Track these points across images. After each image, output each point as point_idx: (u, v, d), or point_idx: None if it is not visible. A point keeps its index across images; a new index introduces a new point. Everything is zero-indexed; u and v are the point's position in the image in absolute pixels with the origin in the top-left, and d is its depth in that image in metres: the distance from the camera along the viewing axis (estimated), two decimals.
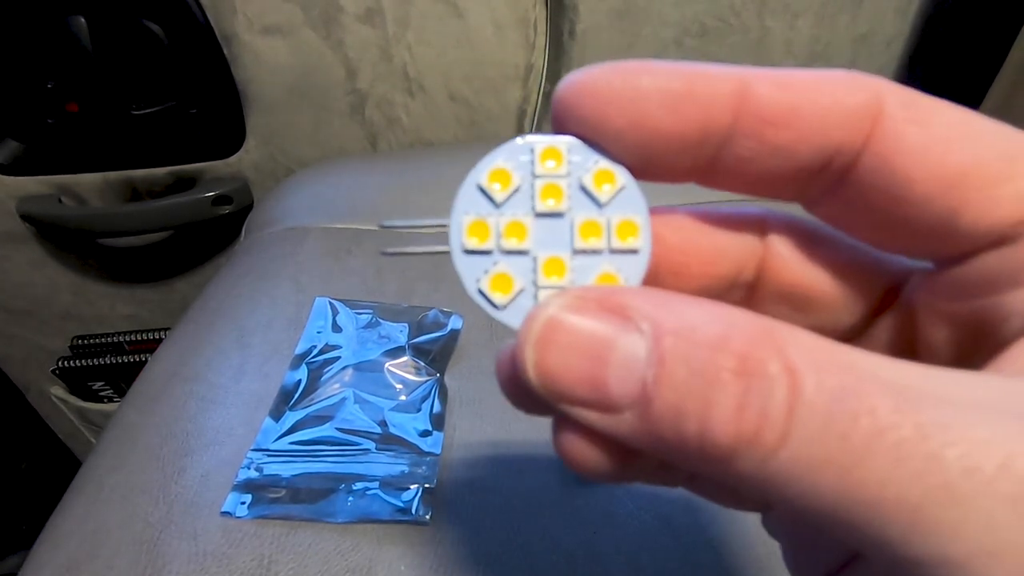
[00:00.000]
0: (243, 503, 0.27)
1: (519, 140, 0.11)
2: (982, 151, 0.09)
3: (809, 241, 0.12)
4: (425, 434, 0.30)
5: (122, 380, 0.75)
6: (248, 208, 0.64)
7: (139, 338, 0.74)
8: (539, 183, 0.11)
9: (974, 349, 0.10)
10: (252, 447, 0.30)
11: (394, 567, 0.25)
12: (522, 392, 0.11)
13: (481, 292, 0.11)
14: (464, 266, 0.11)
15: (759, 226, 0.13)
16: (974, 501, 0.07)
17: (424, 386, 0.32)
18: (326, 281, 0.40)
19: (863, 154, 0.10)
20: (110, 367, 0.73)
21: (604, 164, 0.11)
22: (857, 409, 0.08)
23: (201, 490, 0.28)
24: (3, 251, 0.66)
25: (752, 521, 0.26)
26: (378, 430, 0.30)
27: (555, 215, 0.11)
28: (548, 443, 0.31)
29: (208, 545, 0.26)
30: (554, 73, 0.60)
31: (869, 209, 0.10)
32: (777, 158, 0.10)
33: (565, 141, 0.11)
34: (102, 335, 0.74)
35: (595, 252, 0.11)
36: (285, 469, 0.29)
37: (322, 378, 0.33)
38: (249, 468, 0.29)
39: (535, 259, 0.11)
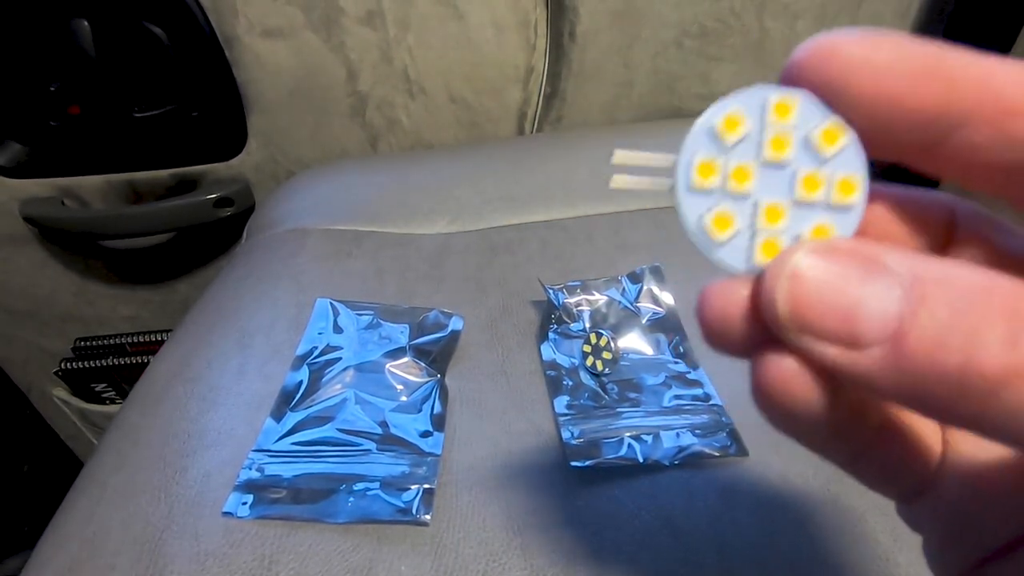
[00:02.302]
0: (244, 503, 0.28)
1: (755, 89, 0.12)
2: None
3: (994, 229, 0.13)
4: (426, 435, 0.30)
5: (124, 381, 0.75)
6: (249, 210, 0.64)
7: (141, 339, 0.74)
8: (768, 132, 0.12)
9: None
10: (253, 448, 0.30)
11: (394, 567, 0.25)
12: (744, 325, 0.11)
13: (703, 229, 0.12)
14: (687, 203, 0.12)
15: (949, 210, 0.13)
16: None
17: (425, 387, 0.32)
18: (327, 282, 0.40)
19: None
20: (112, 368, 0.73)
21: (833, 122, 0.11)
22: None
23: (202, 490, 0.28)
24: (5, 253, 0.66)
25: (751, 521, 0.27)
26: (379, 431, 0.30)
27: (779, 165, 0.12)
28: (548, 443, 0.31)
29: (209, 545, 0.26)
30: (554, 75, 0.61)
31: None
32: (1009, 149, 0.10)
33: (799, 96, 0.11)
34: (104, 337, 0.74)
35: (812, 205, 0.12)
36: (286, 469, 0.29)
37: (323, 379, 0.33)
38: (250, 468, 0.29)
39: (755, 204, 0.12)
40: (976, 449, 0.13)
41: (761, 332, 0.11)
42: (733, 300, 0.11)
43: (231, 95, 0.58)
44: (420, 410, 0.31)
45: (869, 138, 0.11)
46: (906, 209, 0.13)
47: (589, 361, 0.34)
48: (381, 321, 0.36)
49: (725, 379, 0.32)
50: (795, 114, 0.11)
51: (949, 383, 0.09)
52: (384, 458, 0.29)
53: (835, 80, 0.11)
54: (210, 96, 0.59)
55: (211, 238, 0.69)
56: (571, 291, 0.37)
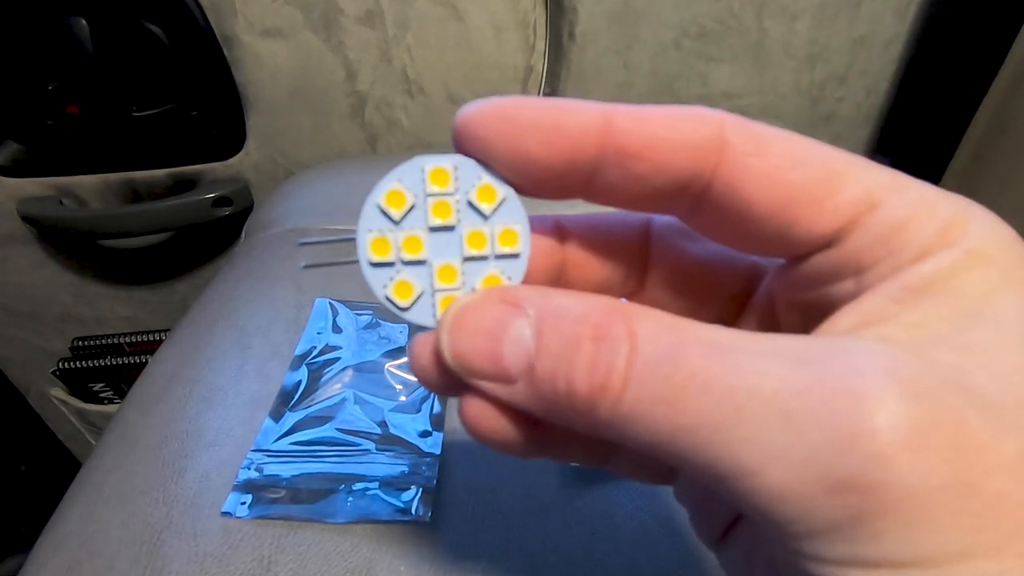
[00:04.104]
0: (243, 503, 0.28)
1: (413, 161, 0.13)
2: (807, 175, 0.11)
3: (684, 238, 0.15)
4: (425, 435, 0.30)
5: (122, 381, 0.75)
6: (248, 210, 0.64)
7: (139, 339, 0.74)
8: (431, 201, 0.13)
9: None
10: (252, 448, 0.30)
11: (394, 567, 0.25)
12: (436, 373, 0.13)
13: (388, 298, 0.13)
14: (371, 277, 0.13)
15: (643, 228, 0.15)
16: (757, 418, 0.09)
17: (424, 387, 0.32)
18: (326, 282, 0.40)
19: (713, 180, 0.12)
20: (110, 368, 0.73)
21: (488, 181, 0.13)
22: (678, 358, 0.10)
23: (201, 490, 0.28)
24: (4, 252, 0.66)
25: None
26: (378, 431, 0.30)
27: (446, 228, 0.13)
28: None
29: (208, 545, 0.26)
30: (553, 75, 0.61)
31: (724, 222, 0.12)
32: (639, 184, 0.12)
33: (452, 161, 0.13)
34: (102, 336, 0.74)
35: (482, 258, 0.13)
36: (285, 469, 0.29)
37: (322, 379, 0.33)
38: (249, 468, 0.29)
39: (431, 267, 0.13)
40: None
41: (454, 377, 0.12)
42: (426, 352, 0.13)
43: (230, 95, 0.58)
44: (419, 410, 0.31)
45: (525, 188, 0.13)
46: (601, 235, 0.14)
47: None
48: (380, 321, 0.36)
49: None
50: (452, 178, 0.13)
51: (567, 405, 0.11)
52: (383, 458, 0.29)
53: (480, 143, 0.12)
54: (209, 95, 0.59)
55: (210, 238, 0.68)
56: None
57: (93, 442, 0.82)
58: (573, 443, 0.14)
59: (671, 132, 0.11)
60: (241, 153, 0.62)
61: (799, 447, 0.09)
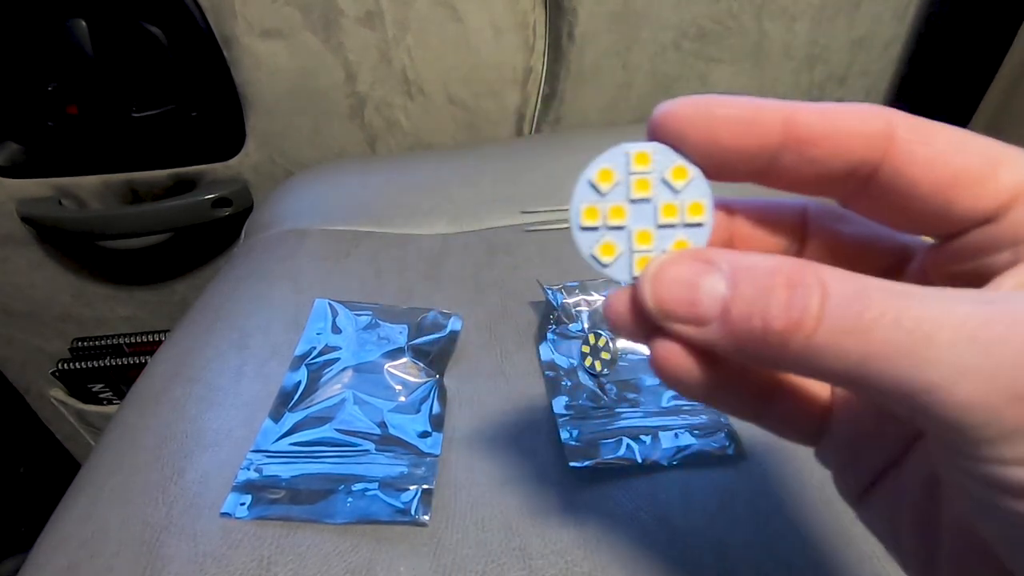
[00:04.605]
0: (242, 504, 0.28)
1: (619, 147, 0.15)
2: (970, 160, 0.13)
3: (838, 221, 0.17)
4: (424, 435, 0.30)
5: (121, 382, 0.75)
6: (248, 210, 0.64)
7: (138, 340, 0.74)
8: (633, 178, 0.15)
9: None
10: (252, 448, 0.30)
11: (393, 568, 0.25)
12: (633, 320, 0.15)
13: (594, 256, 0.16)
14: (580, 239, 0.16)
15: (801, 211, 0.17)
16: (946, 343, 0.11)
17: (423, 387, 0.32)
18: (325, 283, 0.40)
19: (881, 165, 0.14)
20: (109, 369, 0.73)
21: (680, 163, 0.15)
22: (868, 298, 0.12)
23: (201, 491, 0.28)
24: (3, 253, 0.66)
25: (749, 521, 0.27)
26: (377, 431, 0.30)
27: (645, 200, 0.16)
28: (547, 444, 0.31)
29: (207, 546, 0.26)
30: (553, 76, 0.61)
31: (888, 204, 0.14)
32: (814, 168, 0.14)
33: (652, 147, 0.15)
34: (102, 337, 0.74)
35: (673, 226, 0.15)
36: (284, 470, 0.29)
37: (321, 379, 0.33)
38: (248, 469, 0.29)
39: (630, 232, 0.16)
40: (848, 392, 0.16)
41: (648, 323, 0.14)
42: (623, 302, 0.15)
43: (229, 95, 0.58)
44: (419, 410, 0.31)
45: (711, 171, 0.15)
46: (764, 215, 0.17)
47: (588, 362, 0.34)
48: (379, 321, 0.36)
49: None
50: (652, 161, 0.15)
51: (760, 341, 0.13)
52: (383, 458, 0.29)
53: (677, 133, 0.15)
54: (208, 96, 0.59)
55: (209, 238, 0.68)
56: (569, 292, 0.37)
57: (92, 443, 0.82)
58: (742, 389, 0.16)
59: (847, 123, 0.14)
60: (241, 154, 0.62)
61: (987, 365, 0.11)
